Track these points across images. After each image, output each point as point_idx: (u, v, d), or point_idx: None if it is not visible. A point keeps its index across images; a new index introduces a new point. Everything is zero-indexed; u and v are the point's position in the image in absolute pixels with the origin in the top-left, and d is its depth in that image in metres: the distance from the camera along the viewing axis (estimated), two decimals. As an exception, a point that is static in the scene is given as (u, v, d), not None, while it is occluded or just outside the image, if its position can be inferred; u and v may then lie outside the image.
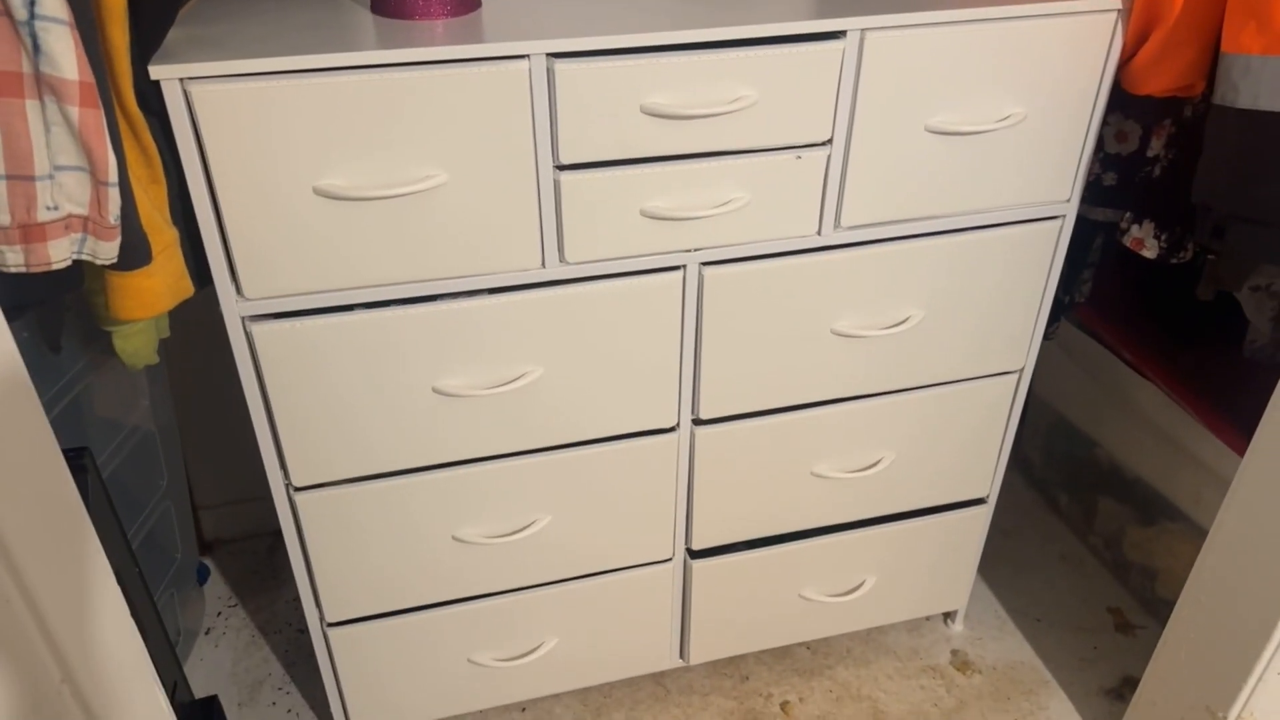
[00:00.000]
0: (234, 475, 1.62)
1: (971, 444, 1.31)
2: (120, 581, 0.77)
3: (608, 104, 0.91)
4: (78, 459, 0.74)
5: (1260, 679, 1.10)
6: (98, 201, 0.71)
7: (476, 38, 0.88)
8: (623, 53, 0.90)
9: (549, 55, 0.88)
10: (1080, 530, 1.72)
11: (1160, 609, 1.53)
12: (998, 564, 1.65)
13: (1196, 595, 1.17)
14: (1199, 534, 1.13)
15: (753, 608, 1.36)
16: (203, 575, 1.59)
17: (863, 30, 0.94)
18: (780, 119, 0.97)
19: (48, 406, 1.06)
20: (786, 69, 0.94)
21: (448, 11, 0.92)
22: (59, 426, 1.05)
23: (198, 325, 1.27)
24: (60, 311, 0.89)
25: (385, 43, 0.86)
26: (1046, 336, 1.58)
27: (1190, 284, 1.38)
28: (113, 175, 0.70)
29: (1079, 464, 1.69)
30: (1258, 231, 0.93)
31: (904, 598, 1.45)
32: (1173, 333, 1.47)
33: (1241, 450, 1.04)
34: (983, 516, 1.39)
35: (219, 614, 1.58)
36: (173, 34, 0.87)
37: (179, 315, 1.12)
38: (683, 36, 0.90)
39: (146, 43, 0.79)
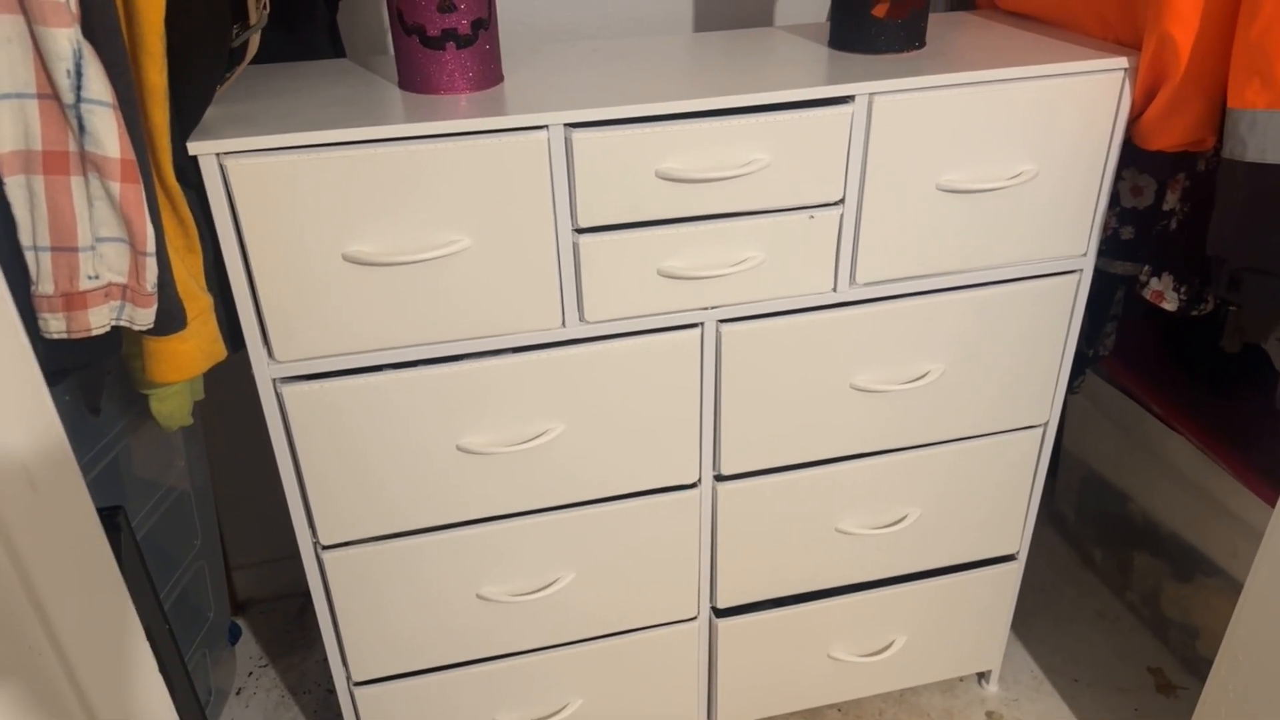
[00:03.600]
0: (267, 535, 1.65)
1: (998, 499, 1.30)
2: (150, 639, 0.79)
3: (623, 170, 0.94)
4: (112, 518, 0.76)
5: (1305, 741, 1.06)
6: (136, 271, 0.74)
7: (498, 110, 0.92)
8: (637, 121, 0.93)
9: (567, 125, 0.92)
10: (1117, 587, 1.69)
11: (1202, 668, 1.48)
12: (1033, 621, 1.62)
13: (1234, 653, 1.14)
14: (1237, 589, 1.11)
15: (781, 668, 1.35)
16: (234, 635, 1.60)
17: (870, 95, 0.97)
18: (792, 180, 0.99)
19: (87, 467, 1.09)
20: (797, 133, 0.97)
21: (471, 86, 0.96)
22: (98, 486, 1.08)
23: (234, 388, 1.31)
24: (100, 376, 0.93)
25: (410, 116, 0.90)
26: (1071, 390, 1.57)
27: (1216, 334, 1.37)
28: (150, 246, 0.74)
29: (1113, 519, 1.66)
30: (1272, 283, 0.93)
31: (936, 657, 1.42)
32: (1201, 384, 1.45)
33: (1274, 502, 1.02)
34: (1013, 573, 1.37)
35: (250, 674, 1.59)
36: (210, 112, 0.92)
37: (214, 378, 1.16)
38: (695, 105, 0.93)
39: (186, 120, 0.84)
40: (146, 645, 0.77)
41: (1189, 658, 1.53)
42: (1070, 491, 1.78)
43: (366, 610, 1.14)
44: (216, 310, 0.92)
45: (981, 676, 1.52)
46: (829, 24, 1.13)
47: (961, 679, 1.53)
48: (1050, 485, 1.87)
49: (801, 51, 1.10)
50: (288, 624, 1.69)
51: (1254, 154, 0.91)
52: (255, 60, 1.06)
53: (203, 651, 1.42)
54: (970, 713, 1.48)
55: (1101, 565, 1.72)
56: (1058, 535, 1.82)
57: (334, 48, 1.16)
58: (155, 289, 0.76)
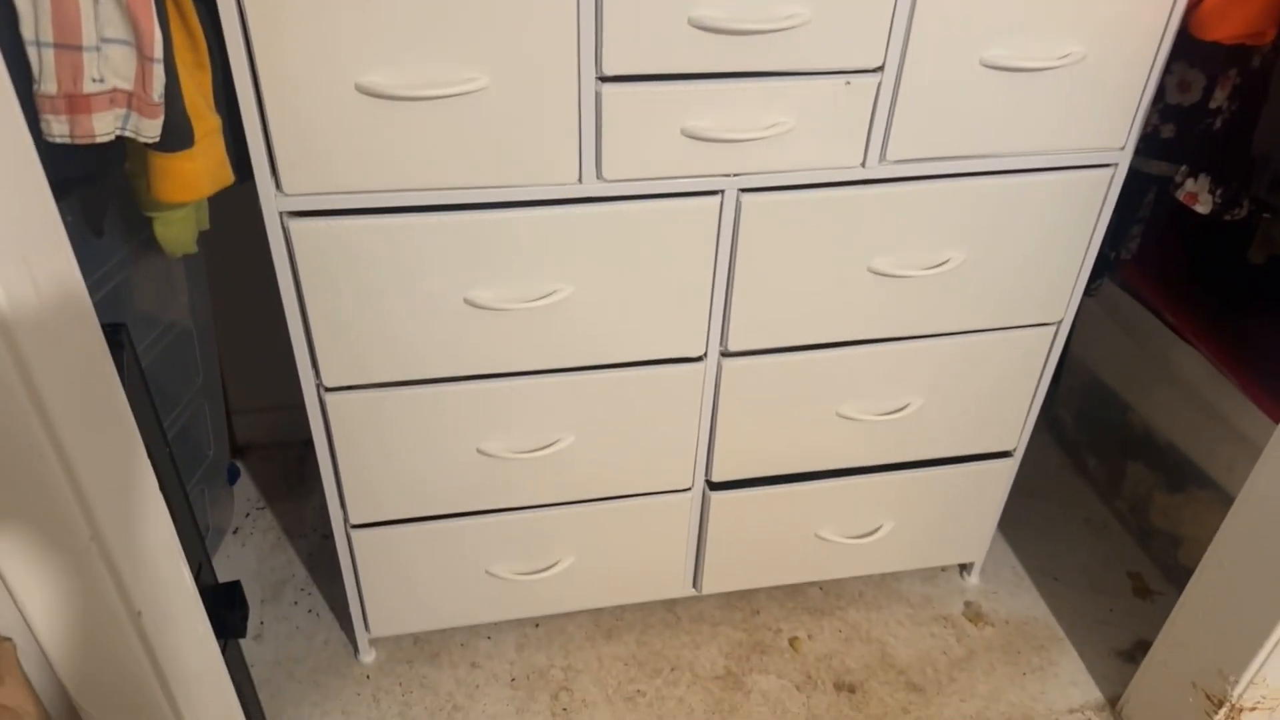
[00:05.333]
0: (269, 382, 1.65)
1: (1002, 395, 1.29)
2: (152, 461, 0.79)
3: (656, 13, 0.89)
4: (115, 335, 0.75)
5: (1276, 646, 1.09)
6: (143, 77, 0.71)
7: (527, -61, 0.86)
8: (675, -38, 0.88)
9: (599, -40, 0.87)
10: (1107, 495, 1.71)
11: (1181, 576, 1.51)
12: (1020, 523, 1.64)
13: (1219, 559, 1.15)
14: (1228, 503, 1.11)
15: (768, 544, 1.37)
16: (233, 475, 1.63)
17: (922, -47, 0.91)
18: (832, 41, 0.95)
19: (89, 292, 1.08)
20: (841, -11, 0.92)
21: (499, -88, 0.90)
22: (98, 312, 1.07)
23: (242, 227, 1.28)
24: (104, 196, 0.91)
25: (434, -61, 0.85)
26: (1088, 293, 1.54)
27: (1243, 248, 1.34)
28: (158, 51, 0.71)
29: (1111, 427, 1.67)
30: (1319, 185, 0.90)
31: (921, 546, 1.45)
32: (1220, 297, 1.43)
33: (1279, 419, 1.02)
34: (1007, 470, 1.38)
35: (247, 515, 1.62)
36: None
37: (222, 216, 1.14)
38: (737, -52, 0.88)
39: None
40: (146, 459, 0.77)
41: (1169, 565, 1.56)
42: (1072, 397, 1.78)
43: (366, 455, 1.14)
44: (225, 134, 0.88)
45: (964, 569, 1.56)
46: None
47: (944, 569, 1.57)
48: (1052, 390, 1.86)
49: (852, -94, 1.04)
50: (287, 470, 1.72)
51: (1320, 46, 0.86)
52: None
53: (201, 489, 1.44)
54: (949, 601, 1.52)
55: (1094, 472, 1.74)
56: (1053, 440, 1.83)
57: None
58: (161, 99, 0.73)
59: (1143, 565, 1.59)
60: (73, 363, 0.67)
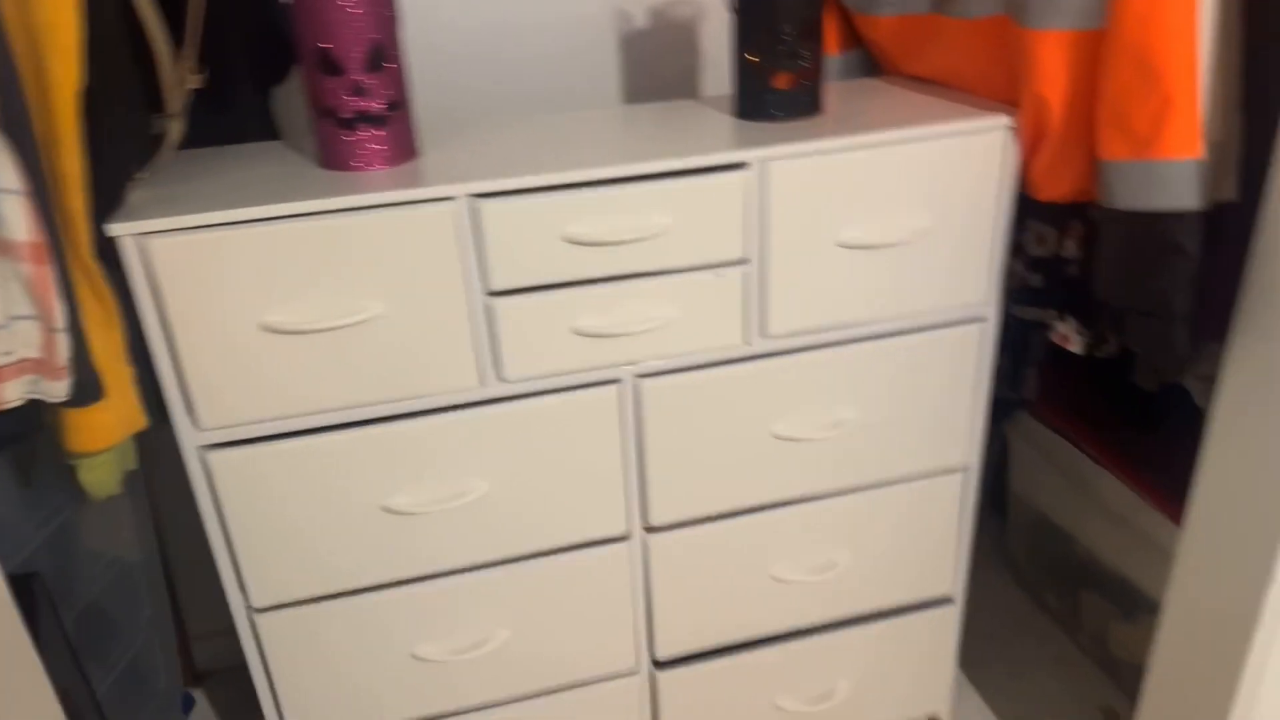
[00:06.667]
0: (226, 604, 1.66)
1: (929, 542, 1.32)
2: (68, 699, 0.81)
3: (531, 236, 0.99)
4: (27, 585, 0.79)
5: (1228, 772, 1.07)
6: (48, 346, 0.78)
7: (408, 183, 0.97)
8: (542, 190, 0.99)
9: (472, 196, 0.97)
10: (1070, 630, 1.70)
11: (1152, 708, 1.49)
12: (988, 667, 1.63)
13: (1157, 687, 1.15)
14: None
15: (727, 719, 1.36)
16: (187, 705, 1.61)
17: (763, 160, 1.02)
18: (696, 242, 1.04)
19: (32, 536, 1.12)
20: (696, 197, 1.02)
21: (386, 162, 1.02)
22: (42, 556, 1.11)
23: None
24: (30, 448, 0.97)
25: (323, 191, 0.95)
26: (998, 433, 1.60)
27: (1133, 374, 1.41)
28: (61, 322, 0.78)
29: (1061, 561, 1.68)
30: (1148, 323, 0.98)
31: (882, 703, 1.43)
32: (1128, 422, 1.49)
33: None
34: (951, 616, 1.39)
35: (206, 744, 1.59)
36: (137, 194, 0.97)
37: (168, 444, 1.20)
38: (595, 174, 0.99)
39: (105, 203, 0.89)
40: (60, 711, 0.79)
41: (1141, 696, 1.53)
42: (1021, 534, 1.80)
43: (303, 671, 1.15)
44: (142, 380, 0.96)
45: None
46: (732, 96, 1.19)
47: (913, 726, 1.53)
48: (1002, 529, 1.89)
49: (711, 122, 1.16)
50: (248, 693, 1.69)
51: (1122, 201, 0.96)
52: (190, 144, 1.12)
53: (156, 721, 1.42)
54: (922, 760, 1.48)
55: (1055, 608, 1.74)
56: (1012, 580, 1.84)
57: (267, 130, 1.22)
58: (68, 363, 0.80)
59: (1116, 699, 1.57)
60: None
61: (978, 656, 1.64)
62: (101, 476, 0.98)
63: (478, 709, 1.24)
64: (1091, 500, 1.54)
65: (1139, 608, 1.48)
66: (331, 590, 1.12)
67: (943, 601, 1.38)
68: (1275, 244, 0.90)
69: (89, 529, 1.25)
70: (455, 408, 1.06)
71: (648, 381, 1.11)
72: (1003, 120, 1.08)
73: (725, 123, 1.15)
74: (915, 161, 1.07)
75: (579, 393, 1.09)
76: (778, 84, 1.12)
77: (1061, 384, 1.56)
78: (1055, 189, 1.10)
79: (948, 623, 1.39)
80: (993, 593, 1.80)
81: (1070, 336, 1.21)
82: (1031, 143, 1.09)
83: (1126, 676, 1.56)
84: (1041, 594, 1.77)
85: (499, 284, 1.01)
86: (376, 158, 1.01)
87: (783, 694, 1.36)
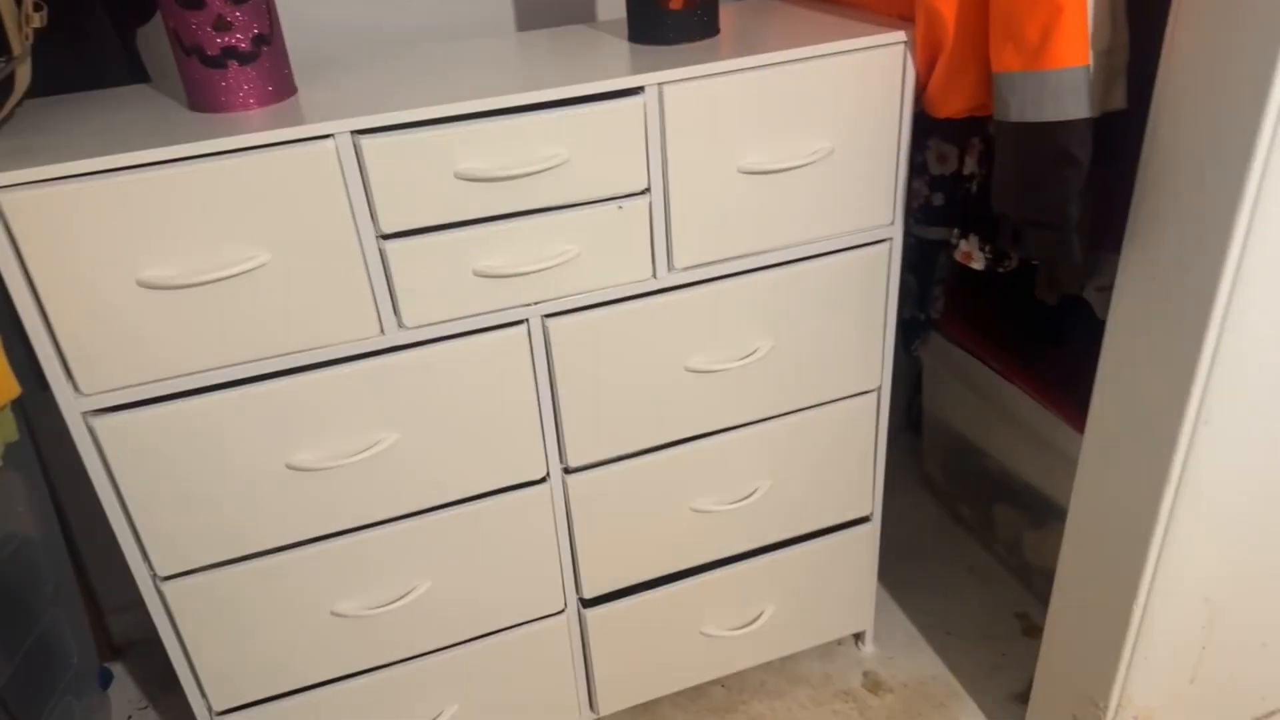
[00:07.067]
0: (137, 575, 1.61)
1: (846, 465, 1.34)
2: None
3: (420, 173, 0.95)
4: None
5: (1130, 665, 1.13)
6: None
7: (285, 122, 0.91)
8: (428, 124, 0.94)
9: (354, 132, 0.92)
10: (985, 541, 1.76)
11: (1062, 609, 1.55)
12: (910, 584, 1.68)
13: (1064, 585, 1.20)
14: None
15: (656, 650, 1.37)
16: (105, 680, 1.56)
17: (659, 84, 0.99)
18: (596, 173, 1.01)
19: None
20: (592, 126, 0.99)
21: (260, 101, 0.96)
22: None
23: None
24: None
25: (194, 135, 0.89)
26: (910, 353, 1.62)
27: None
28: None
29: (974, 475, 1.73)
30: (1044, 234, 0.99)
31: (808, 624, 1.46)
32: (1035, 335, 1.52)
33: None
34: (870, 535, 1.42)
35: (129, 717, 1.55)
36: (-12, 147, 0.90)
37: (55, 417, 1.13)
38: (484, 105, 0.95)
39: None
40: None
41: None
42: (936, 452, 1.85)
43: (217, 637, 1.12)
44: (12, 346, 0.90)
45: (857, 638, 1.57)
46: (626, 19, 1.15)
47: (839, 642, 1.58)
48: (917, 448, 1.94)
49: (605, 46, 1.13)
50: (169, 663, 1.65)
51: (1015, 114, 0.96)
52: (45, 91, 1.05)
53: (68, 700, 1.38)
54: (848, 674, 1.53)
55: (970, 521, 1.79)
56: (930, 497, 1.89)
57: (134, 73, 1.14)
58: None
59: (1028, 604, 1.63)
60: None
61: (898, 574, 1.69)
62: (-23, 451, 0.93)
63: (404, 660, 1.23)
64: (1002, 415, 1.58)
65: (1050, 515, 1.54)
66: (241, 553, 1.08)
67: (860, 521, 1.41)
68: (1161, 151, 0.91)
69: (-24, 507, 1.19)
70: (355, 358, 1.03)
71: (554, 321, 1.09)
72: (900, 36, 1.06)
73: (620, 47, 1.11)
74: (814, 81, 1.05)
75: (484, 336, 1.07)
76: (672, 5, 1.08)
77: (968, 302, 1.58)
78: (951, 105, 1.09)
79: (868, 542, 1.43)
80: (910, 511, 1.85)
81: (972, 253, 1.22)
82: (927, 58, 1.08)
83: (1038, 582, 1.63)
84: (957, 508, 1.82)
85: (390, 226, 0.97)
86: (249, 96, 0.95)
87: (709, 622, 1.38)
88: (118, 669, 1.64)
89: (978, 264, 1.21)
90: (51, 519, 1.34)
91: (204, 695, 1.16)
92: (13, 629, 1.25)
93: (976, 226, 1.21)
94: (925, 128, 1.19)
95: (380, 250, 0.98)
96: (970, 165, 1.20)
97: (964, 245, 1.23)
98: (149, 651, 1.67)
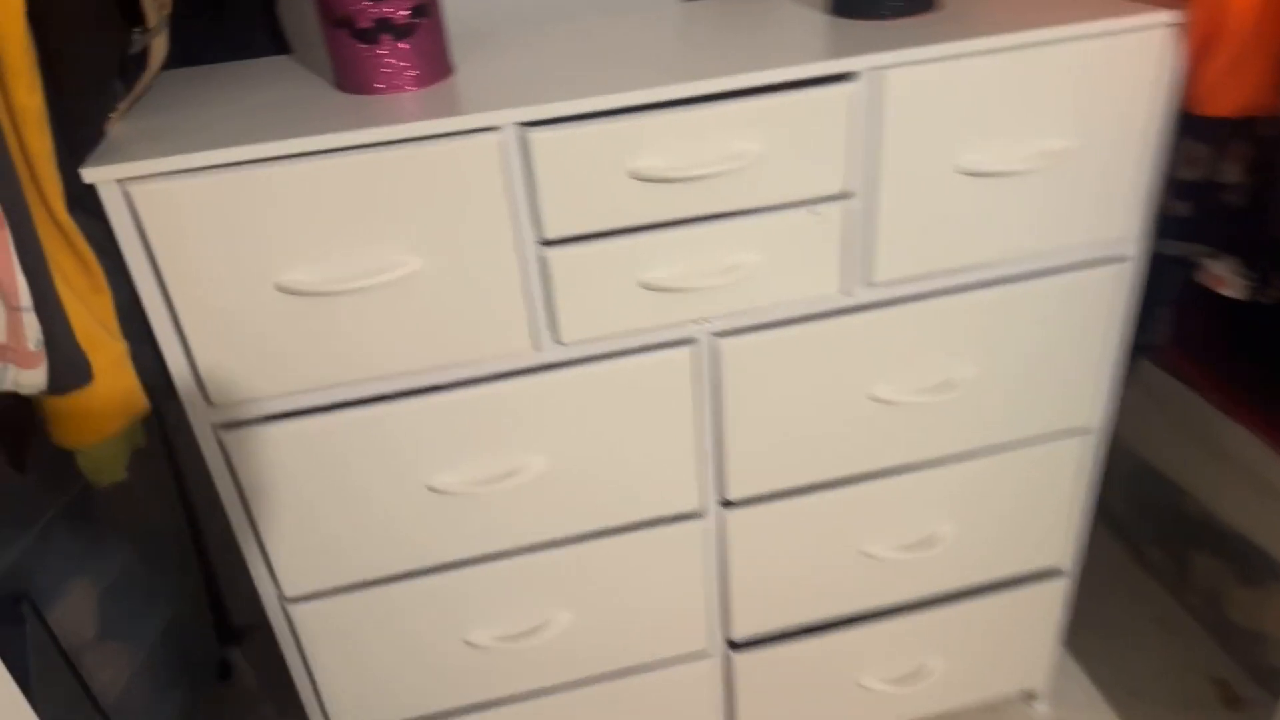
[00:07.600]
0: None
1: (1042, 512, 1.16)
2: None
3: (590, 172, 0.82)
4: (14, 609, 0.67)
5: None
6: (13, 329, 0.64)
7: (445, 110, 0.80)
8: (603, 115, 0.81)
9: (520, 125, 0.79)
10: (1176, 590, 1.55)
11: (1272, 679, 1.35)
12: (1084, 629, 1.48)
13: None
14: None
15: (807, 701, 1.24)
16: (224, 673, 1.53)
17: (876, 70, 0.83)
18: (785, 173, 0.86)
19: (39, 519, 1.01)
20: (792, 118, 0.84)
21: (414, 83, 0.84)
22: (60, 532, 1.00)
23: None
24: (22, 437, 0.84)
25: (341, 123, 0.78)
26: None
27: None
28: (25, 300, 0.64)
29: (1168, 515, 1.52)
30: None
31: (976, 679, 1.30)
32: (1269, 371, 1.30)
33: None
34: (1060, 590, 1.24)
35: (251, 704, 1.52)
36: (119, 128, 0.81)
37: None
38: (667, 94, 0.81)
39: (79, 142, 0.73)
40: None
41: (1257, 668, 1.39)
42: (1118, 478, 1.64)
43: (344, 662, 1.04)
44: (139, 356, 0.81)
45: (1028, 694, 1.40)
46: (829, -13, 0.99)
47: (1008, 700, 1.41)
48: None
49: (799, 21, 0.97)
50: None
51: (1336, 119, 0.76)
52: (181, 63, 0.96)
53: (192, 696, 1.34)
54: (1017, 736, 1.36)
55: (1157, 565, 1.58)
56: (1104, 527, 1.68)
57: (274, 43, 1.04)
58: (41, 347, 0.66)
59: (1227, 669, 1.42)
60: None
61: (1072, 617, 1.50)
62: (100, 461, 0.85)
63: (536, 694, 1.13)
64: (1211, 453, 1.37)
65: (1267, 573, 1.33)
66: (371, 577, 0.99)
67: (1051, 574, 1.23)
68: None
69: (110, 504, 1.14)
70: (505, 375, 0.91)
71: (726, 341, 0.95)
72: (1163, 17, 0.87)
73: (818, 22, 0.95)
74: (1053, 70, 0.87)
75: (647, 355, 0.94)
76: (886, -26, 0.92)
77: (1183, 325, 1.37)
78: (1227, 102, 0.90)
79: (1055, 597, 1.25)
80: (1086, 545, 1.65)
81: (1226, 278, 1.02)
82: (1201, 44, 0.88)
83: (1240, 644, 1.42)
84: (1141, 548, 1.61)
85: (553, 231, 0.84)
86: (403, 77, 0.83)
87: (867, 674, 1.23)
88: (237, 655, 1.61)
89: (1233, 291, 1.01)
90: (181, 518, 1.29)
91: (326, 717, 1.08)
92: (138, 626, 1.21)
93: (1236, 246, 1.00)
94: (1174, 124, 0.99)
95: (540, 258, 0.86)
96: (1231, 173, 1.00)
97: (1214, 267, 1.03)
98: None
